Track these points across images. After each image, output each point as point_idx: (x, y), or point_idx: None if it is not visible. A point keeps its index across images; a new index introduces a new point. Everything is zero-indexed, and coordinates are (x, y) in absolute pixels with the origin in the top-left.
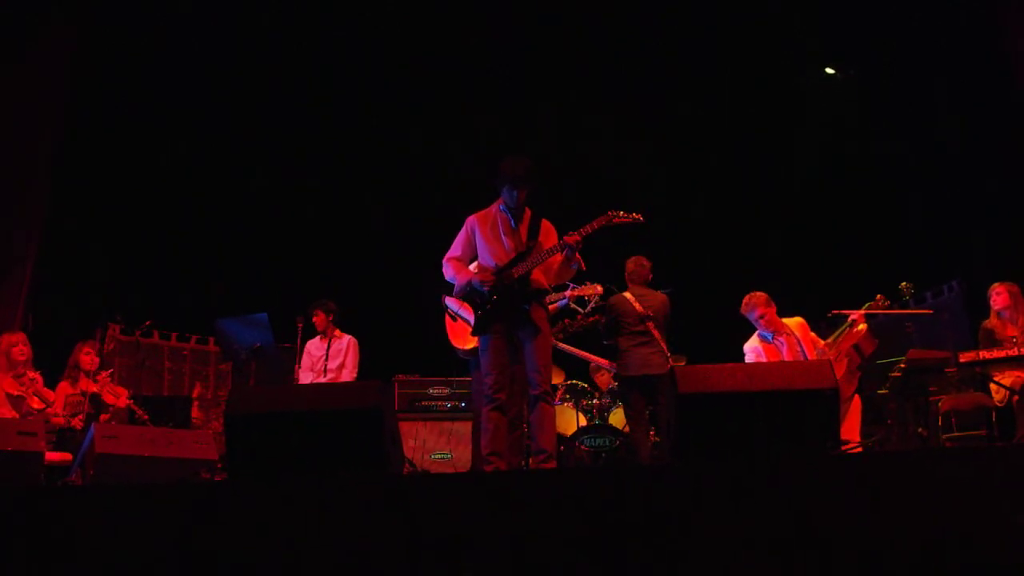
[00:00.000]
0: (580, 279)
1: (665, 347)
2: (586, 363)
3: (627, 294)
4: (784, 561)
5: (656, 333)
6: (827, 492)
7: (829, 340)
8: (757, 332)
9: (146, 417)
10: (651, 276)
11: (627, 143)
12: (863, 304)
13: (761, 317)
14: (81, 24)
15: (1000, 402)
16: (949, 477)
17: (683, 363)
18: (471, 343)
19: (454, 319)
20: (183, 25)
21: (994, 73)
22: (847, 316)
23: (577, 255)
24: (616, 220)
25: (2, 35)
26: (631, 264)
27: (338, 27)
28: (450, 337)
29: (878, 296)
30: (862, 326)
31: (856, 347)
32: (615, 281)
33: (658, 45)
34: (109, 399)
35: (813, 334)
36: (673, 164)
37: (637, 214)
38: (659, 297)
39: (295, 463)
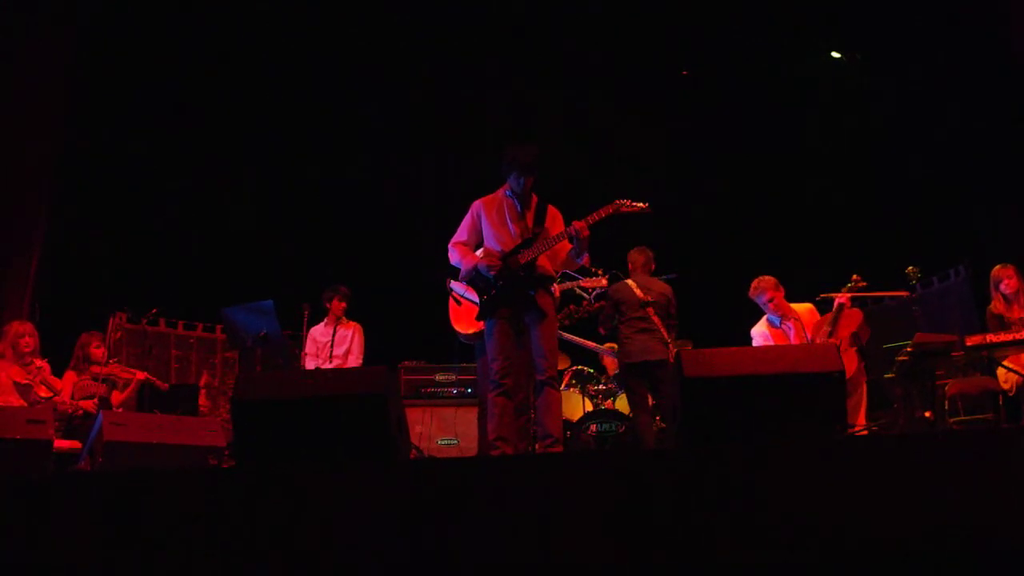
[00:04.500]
0: (584, 269)
1: (665, 334)
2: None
3: (629, 281)
4: (790, 546)
5: (656, 320)
6: (834, 475)
7: (825, 328)
8: (765, 316)
9: (166, 387)
10: (654, 265)
11: (632, 127)
12: (842, 288)
13: (770, 301)
14: (84, 15)
15: (1009, 389)
16: (956, 460)
17: (689, 347)
18: (473, 327)
19: (459, 303)
20: (186, 19)
21: (999, 56)
22: (833, 300)
23: (586, 248)
24: (623, 210)
25: (5, 31)
26: (635, 253)
27: (338, 12)
28: (452, 321)
29: (854, 276)
30: (856, 310)
31: (856, 335)
32: (621, 268)
33: (661, 28)
34: (125, 375)
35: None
36: (678, 148)
37: (644, 204)
38: (660, 285)
39: (302, 449)
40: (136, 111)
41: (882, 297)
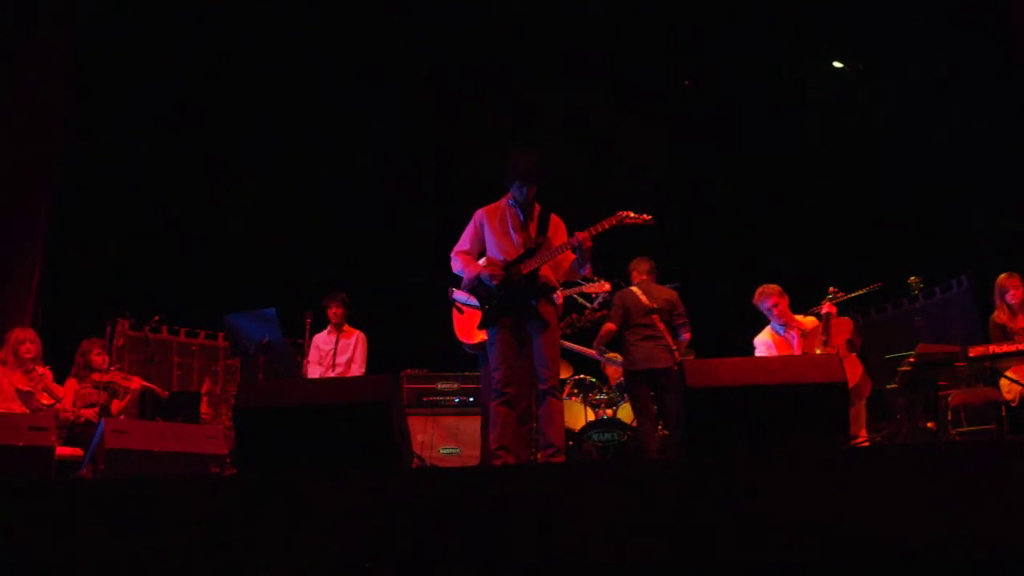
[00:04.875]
0: (587, 279)
1: (671, 341)
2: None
3: (634, 288)
4: (791, 555)
5: (662, 326)
6: (837, 486)
7: (820, 337)
8: (769, 325)
9: (166, 395)
10: (655, 274)
11: (632, 129)
12: (821, 301)
13: (774, 306)
14: (84, 15)
15: (1012, 400)
16: (959, 471)
17: (691, 357)
18: (477, 337)
19: (461, 312)
20: (186, 19)
21: (1002, 65)
22: (819, 312)
23: (588, 259)
24: (627, 221)
25: (5, 31)
26: (637, 263)
27: (338, 12)
28: (456, 331)
29: (831, 289)
30: (845, 318)
31: (850, 341)
32: (623, 277)
33: (666, 39)
34: (124, 383)
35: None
36: (678, 152)
37: (647, 215)
38: (665, 292)
39: (304, 457)
40: (136, 111)
41: (860, 296)
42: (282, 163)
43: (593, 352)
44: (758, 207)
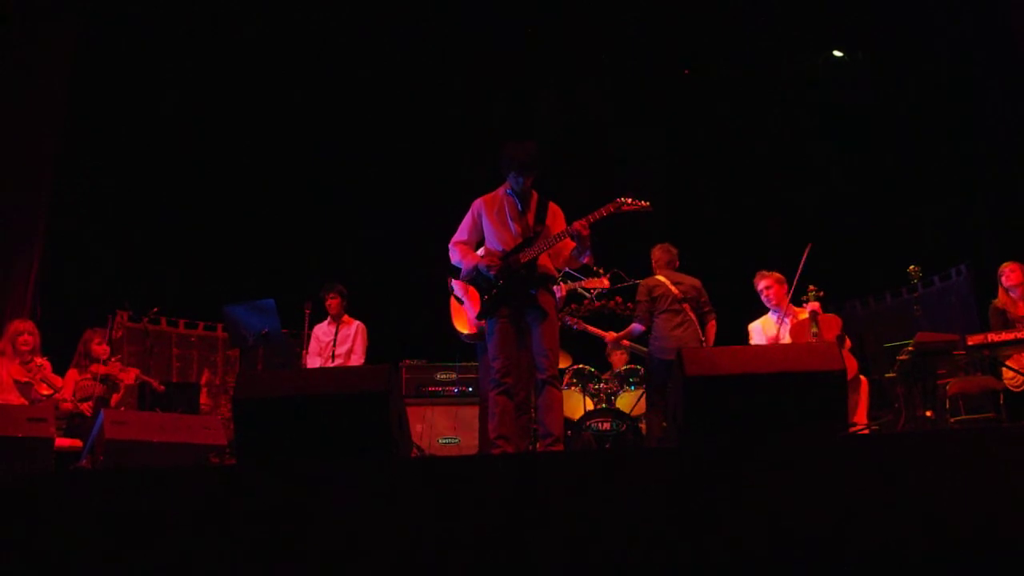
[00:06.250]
0: (586, 268)
1: (700, 330)
2: (593, 347)
3: (660, 277)
4: (790, 545)
5: (692, 315)
6: (835, 474)
7: (811, 331)
8: (769, 312)
9: (162, 388)
10: (679, 262)
11: (634, 127)
12: (802, 300)
13: (767, 288)
14: (85, 11)
15: (1015, 387)
16: (957, 459)
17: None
18: (476, 327)
19: (461, 302)
20: (185, 15)
21: (1001, 53)
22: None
23: (587, 247)
24: (625, 208)
25: (6, 23)
26: (659, 251)
27: (338, 10)
28: (454, 321)
29: (810, 288)
30: (833, 316)
31: (840, 338)
32: (622, 267)
33: (665, 28)
34: (121, 375)
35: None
36: (681, 148)
37: (645, 202)
38: (690, 279)
39: (303, 448)
40: (135, 104)
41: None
42: (281, 154)
43: (604, 334)
44: (757, 195)
